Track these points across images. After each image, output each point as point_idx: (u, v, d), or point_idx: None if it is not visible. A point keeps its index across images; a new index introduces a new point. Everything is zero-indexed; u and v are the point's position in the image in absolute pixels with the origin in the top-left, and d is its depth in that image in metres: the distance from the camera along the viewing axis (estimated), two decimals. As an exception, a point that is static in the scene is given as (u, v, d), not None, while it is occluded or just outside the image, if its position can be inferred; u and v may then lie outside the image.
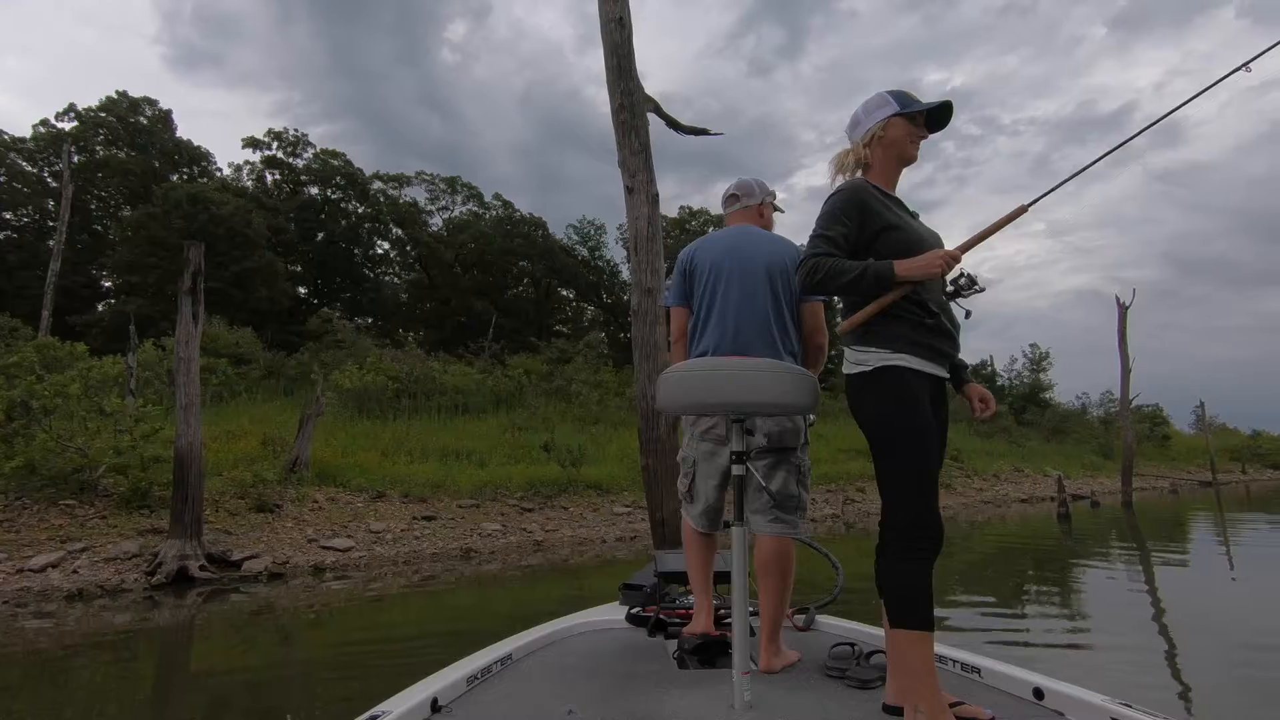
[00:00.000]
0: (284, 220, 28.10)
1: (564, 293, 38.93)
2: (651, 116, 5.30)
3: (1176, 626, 5.17)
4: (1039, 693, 1.66)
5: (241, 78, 67.48)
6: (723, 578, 2.39)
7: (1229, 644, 4.61)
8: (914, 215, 1.88)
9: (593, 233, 38.45)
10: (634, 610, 2.55)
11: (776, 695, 1.73)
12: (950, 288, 1.66)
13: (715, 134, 5.81)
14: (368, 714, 1.47)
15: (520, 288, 37.04)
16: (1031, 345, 38.01)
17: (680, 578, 2.66)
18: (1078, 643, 4.79)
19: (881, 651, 1.90)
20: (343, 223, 31.38)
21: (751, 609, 2.12)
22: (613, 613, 2.61)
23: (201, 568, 7.09)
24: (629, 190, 5.01)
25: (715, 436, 2.22)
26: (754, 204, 2.42)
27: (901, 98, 1.80)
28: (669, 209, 41.79)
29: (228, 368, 16.15)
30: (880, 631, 2.19)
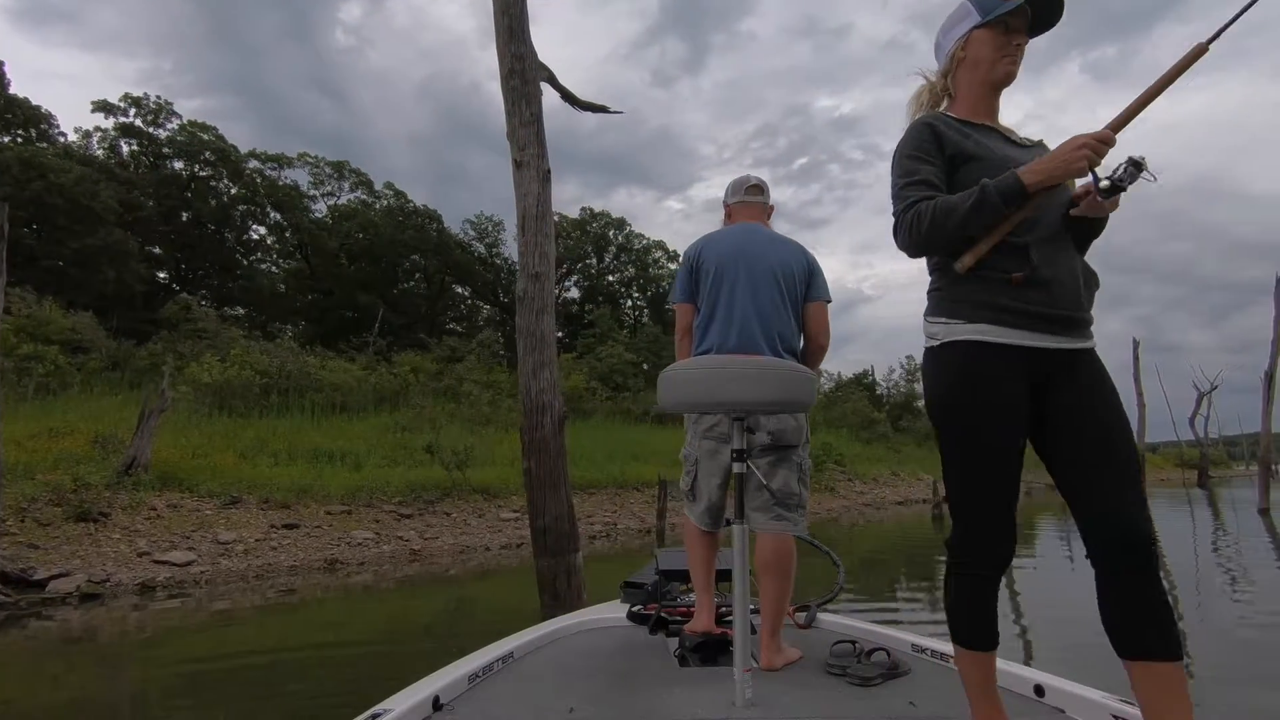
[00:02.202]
0: (140, 196, 25.27)
1: (459, 290, 37.56)
2: (547, 90, 4.91)
3: (1029, 606, 5.82)
4: (1040, 690, 1.65)
5: (101, 40, 60.69)
6: (724, 575, 2.40)
7: (1070, 618, 5.16)
8: (1031, 143, 1.47)
9: (491, 229, 37.41)
10: (635, 608, 2.54)
11: (778, 693, 1.73)
12: (1105, 184, 1.24)
13: (614, 111, 5.49)
14: (369, 712, 1.45)
15: (411, 282, 35.36)
16: (908, 357, 40.35)
17: (681, 576, 2.67)
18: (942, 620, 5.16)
19: (882, 649, 1.94)
20: (212, 203, 28.70)
21: (753, 607, 2.13)
22: (614, 611, 2.60)
23: (-7, 589, 5.95)
24: (517, 165, 4.57)
25: (718, 435, 2.20)
26: (769, 204, 2.41)
27: (984, 1, 1.39)
28: (570, 210, 41.37)
29: (58, 356, 14.17)
30: (880, 629, 2.27)
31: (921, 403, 40.54)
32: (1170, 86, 1.24)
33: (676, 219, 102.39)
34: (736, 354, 2.09)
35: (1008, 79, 1.42)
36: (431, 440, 13.30)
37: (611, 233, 40.97)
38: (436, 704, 1.61)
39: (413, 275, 35.34)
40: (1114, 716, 1.47)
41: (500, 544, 10.21)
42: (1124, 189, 1.24)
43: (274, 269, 32.24)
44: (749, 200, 2.37)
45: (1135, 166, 1.22)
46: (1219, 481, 36.57)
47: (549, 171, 4.61)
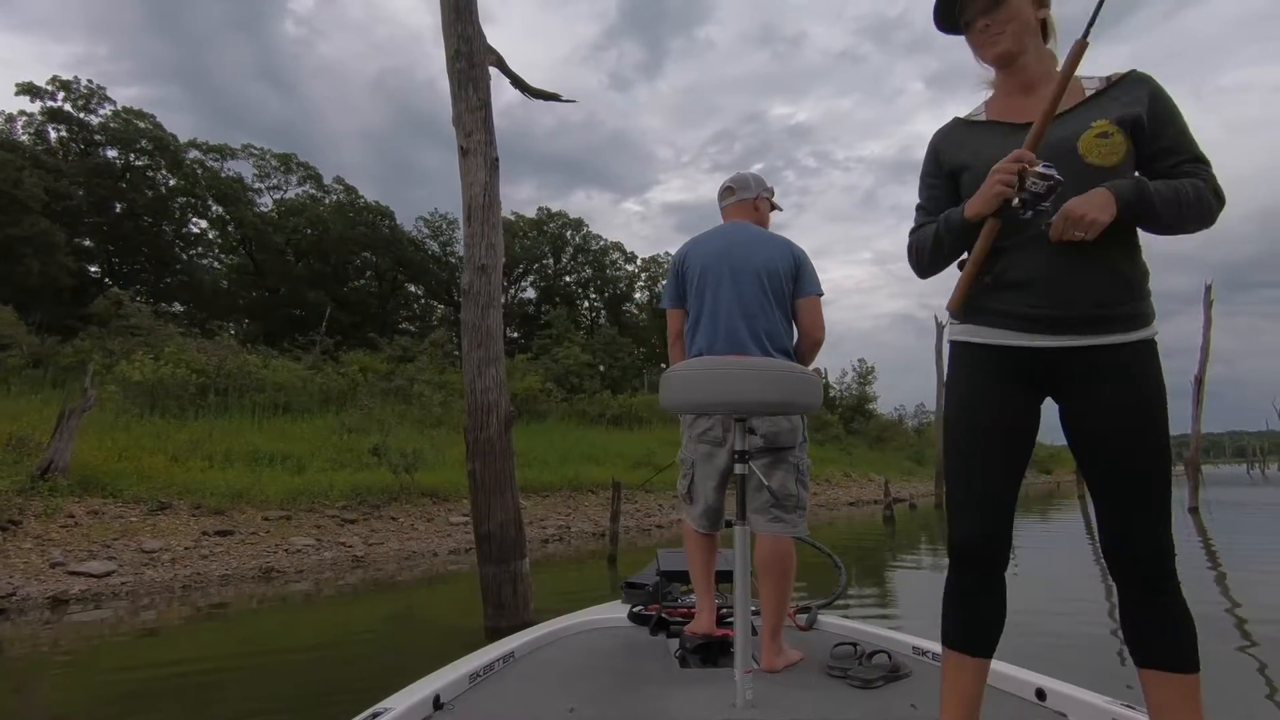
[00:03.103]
0: (69, 184, 23.93)
1: (412, 289, 36.73)
2: (500, 81, 4.71)
3: (1030, 607, 5.83)
4: (1041, 694, 1.66)
5: (31, 21, 57.46)
6: (725, 577, 2.42)
7: (1072, 619, 5.35)
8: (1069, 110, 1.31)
9: (445, 227, 36.69)
10: (636, 609, 2.55)
11: (778, 694, 1.73)
12: (1016, 201, 1.22)
13: (566, 100, 5.31)
14: (369, 711, 1.46)
15: (362, 280, 34.42)
16: (859, 360, 41.17)
17: (682, 577, 2.69)
18: (890, 614, 5.54)
19: (884, 651, 1.95)
20: (149, 193, 27.36)
21: (753, 608, 2.11)
22: (615, 611, 2.62)
23: (-120, 605, 5.42)
24: (464, 151, 4.36)
25: (713, 438, 2.21)
26: (750, 198, 2.40)
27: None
28: (527, 209, 40.92)
29: (-28, 352, 13.26)
30: (882, 631, 2.27)
31: (872, 405, 41.41)
32: (1067, 88, 1.25)
33: (634, 221, 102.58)
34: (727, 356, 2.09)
35: (999, 59, 1.36)
36: (379, 442, 12.87)
37: (569, 233, 40.66)
38: (437, 703, 1.61)
39: (363, 273, 34.40)
40: None
41: (448, 549, 9.90)
42: (1044, 202, 1.20)
43: (216, 264, 30.95)
44: (724, 205, 2.43)
45: (1041, 177, 1.20)
46: (1150, 481, 38.23)
47: (497, 160, 4.40)
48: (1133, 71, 1.30)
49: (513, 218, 39.10)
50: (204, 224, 30.27)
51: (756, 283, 2.18)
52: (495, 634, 4.30)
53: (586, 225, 41.36)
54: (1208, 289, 17.41)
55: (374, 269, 34.24)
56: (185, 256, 29.57)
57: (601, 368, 29.67)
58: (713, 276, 2.21)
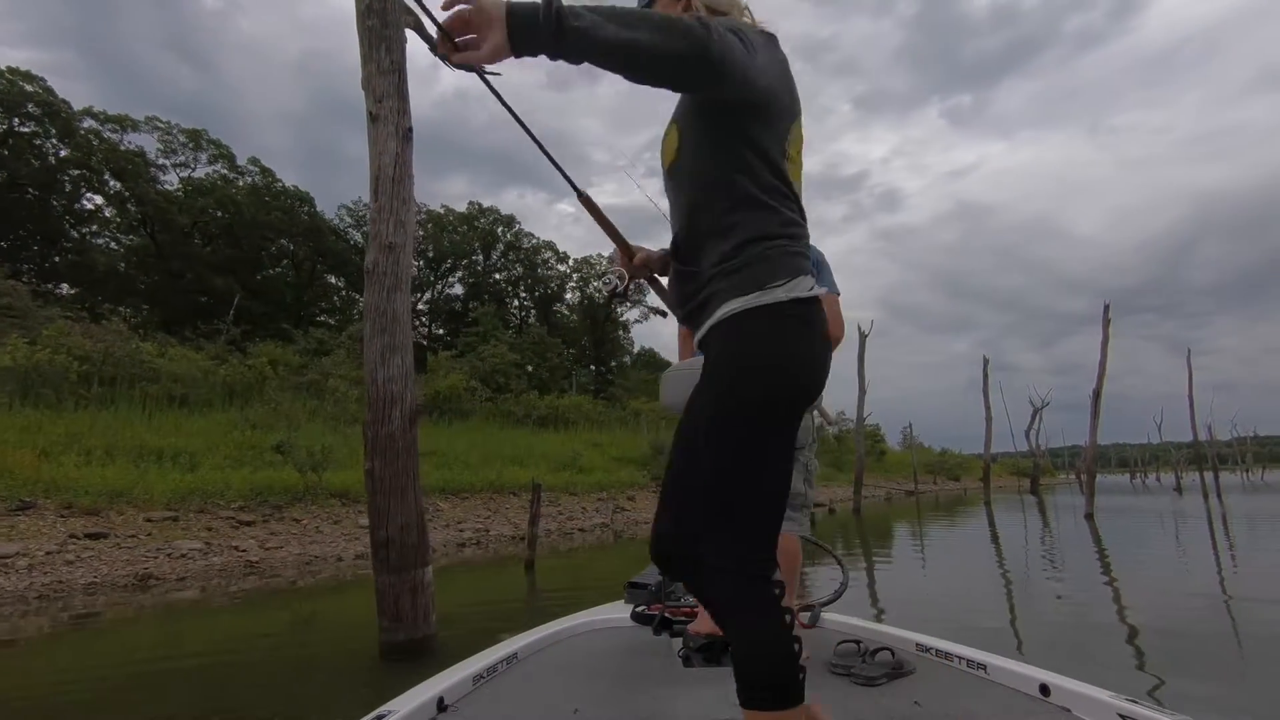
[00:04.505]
0: (-62, 147, 21.58)
1: (332, 280, 35.07)
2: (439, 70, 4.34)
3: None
4: (1045, 689, 1.65)
5: (-101, -37, 51.63)
6: None
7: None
8: None
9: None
10: (639, 609, 2.54)
11: None
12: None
13: (492, 73, 4.97)
14: (374, 714, 1.46)
15: (278, 269, 32.62)
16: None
17: None
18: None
19: (887, 649, 1.95)
20: (35, 163, 25.03)
21: None
22: (618, 611, 2.61)
23: None
24: (373, 117, 3.96)
25: None
26: None
27: None
28: (457, 204, 39.81)
29: None
30: (885, 629, 2.27)
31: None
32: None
33: (567, 222, 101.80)
34: None
35: None
36: (283, 438, 12.04)
37: (500, 230, 39.86)
38: (441, 705, 1.61)
39: (279, 261, 32.62)
40: (1120, 716, 1.46)
41: (355, 553, 9.29)
42: (621, 298, 1.56)
43: (113, 244, 28.59)
44: None
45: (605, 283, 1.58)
46: (1046, 488, 40.87)
47: (410, 129, 4.02)
48: None
49: (442, 211, 37.98)
50: (99, 200, 27.96)
51: None
52: (392, 649, 3.91)
53: (519, 223, 40.67)
54: (1106, 308, 18.51)
55: (290, 257, 32.55)
56: (77, 234, 27.20)
57: (529, 368, 29.11)
58: None
